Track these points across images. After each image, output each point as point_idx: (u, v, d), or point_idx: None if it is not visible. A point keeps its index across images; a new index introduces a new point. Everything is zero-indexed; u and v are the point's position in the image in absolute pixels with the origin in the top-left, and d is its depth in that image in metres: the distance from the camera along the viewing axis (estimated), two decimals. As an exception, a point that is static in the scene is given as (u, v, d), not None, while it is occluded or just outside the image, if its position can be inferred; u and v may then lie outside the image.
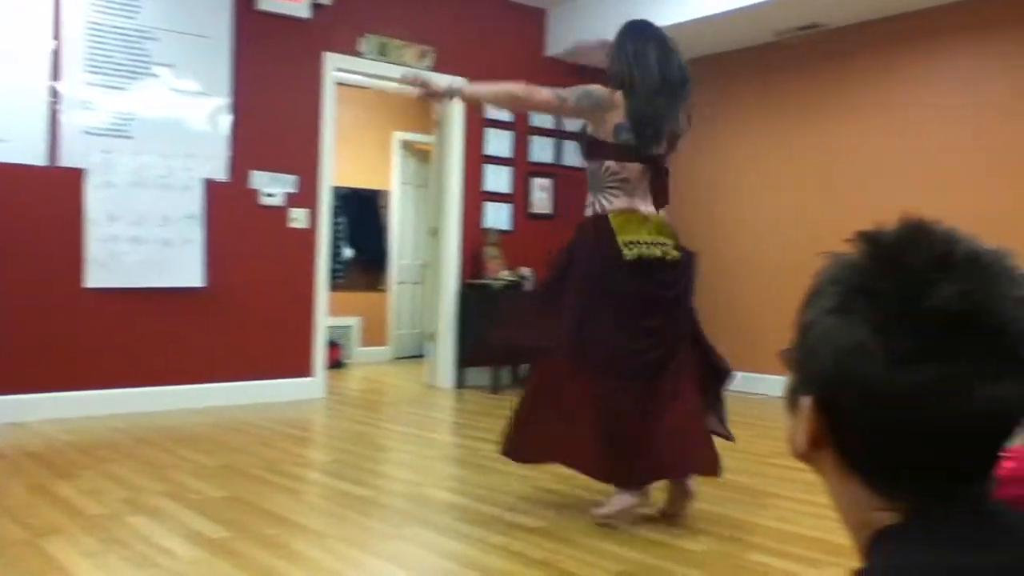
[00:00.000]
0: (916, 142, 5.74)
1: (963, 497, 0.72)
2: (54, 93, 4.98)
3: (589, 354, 3.03)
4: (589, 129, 3.25)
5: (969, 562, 0.69)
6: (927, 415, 0.68)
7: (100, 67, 5.14)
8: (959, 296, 0.68)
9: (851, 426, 0.73)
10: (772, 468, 4.00)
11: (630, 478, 2.97)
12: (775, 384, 6.27)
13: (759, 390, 6.51)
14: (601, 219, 3.15)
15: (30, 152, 4.91)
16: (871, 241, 0.74)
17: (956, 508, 0.72)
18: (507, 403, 5.69)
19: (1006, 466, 1.59)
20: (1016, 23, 5.28)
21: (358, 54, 6.13)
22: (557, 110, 3.43)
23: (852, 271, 0.74)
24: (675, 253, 3.18)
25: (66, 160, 5.02)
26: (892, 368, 0.68)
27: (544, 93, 3.25)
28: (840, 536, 2.86)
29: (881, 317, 0.70)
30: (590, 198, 3.26)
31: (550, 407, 3.07)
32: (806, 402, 0.76)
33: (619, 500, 3.00)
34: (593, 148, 3.24)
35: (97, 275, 5.11)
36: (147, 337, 5.28)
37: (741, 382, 6.61)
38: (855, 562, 0.76)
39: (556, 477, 3.74)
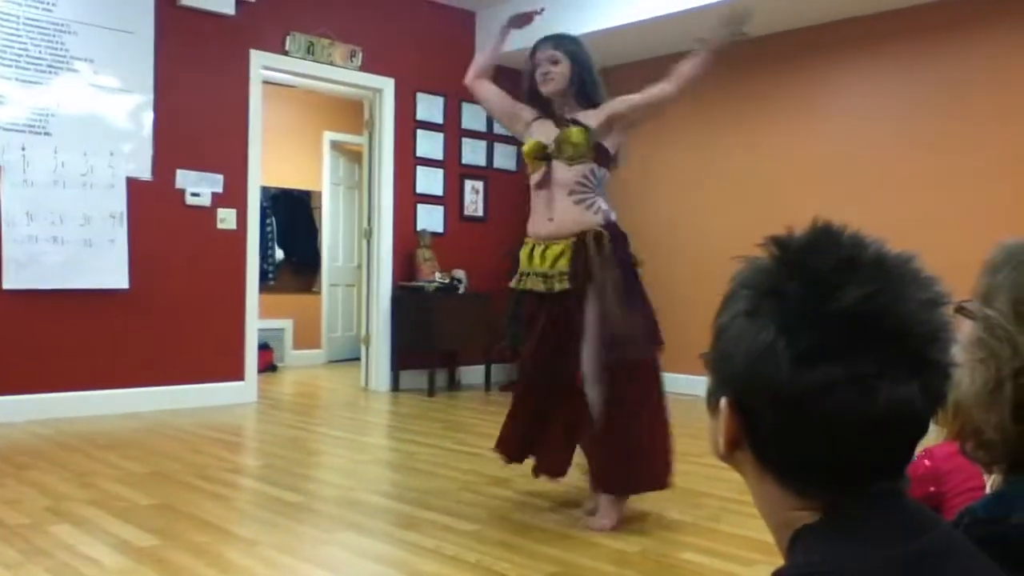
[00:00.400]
0: (841, 147, 5.91)
1: (876, 494, 0.74)
2: (-34, 87, 4.80)
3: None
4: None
5: (883, 554, 0.71)
6: (833, 415, 0.70)
7: (14, 60, 4.97)
8: (864, 298, 0.70)
9: (763, 426, 0.75)
10: (703, 468, 4.07)
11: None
12: (698, 384, 6.42)
13: (684, 390, 6.62)
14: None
15: (-59, 148, 4.73)
16: (780, 245, 0.76)
17: (869, 505, 0.74)
18: (442, 406, 5.70)
19: (923, 464, 1.65)
20: (943, 28, 5.47)
21: (285, 52, 6.05)
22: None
23: (762, 275, 0.76)
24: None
25: (-19, 157, 4.84)
26: (798, 368, 0.70)
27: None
28: (770, 535, 2.93)
29: (787, 318, 0.72)
30: (597, 202, 3.25)
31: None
32: (723, 404, 0.78)
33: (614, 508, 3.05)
34: (607, 155, 3.29)
35: (16, 276, 4.94)
36: (70, 340, 5.12)
37: (669, 383, 6.73)
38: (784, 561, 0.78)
39: (490, 480, 3.74)
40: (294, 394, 6.79)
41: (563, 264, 3.14)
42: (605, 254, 3.13)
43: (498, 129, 7.32)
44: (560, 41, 3.33)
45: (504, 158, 7.39)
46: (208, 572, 2.51)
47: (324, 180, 8.71)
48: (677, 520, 3.16)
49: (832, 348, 0.70)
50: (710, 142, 6.61)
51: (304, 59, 6.13)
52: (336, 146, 8.76)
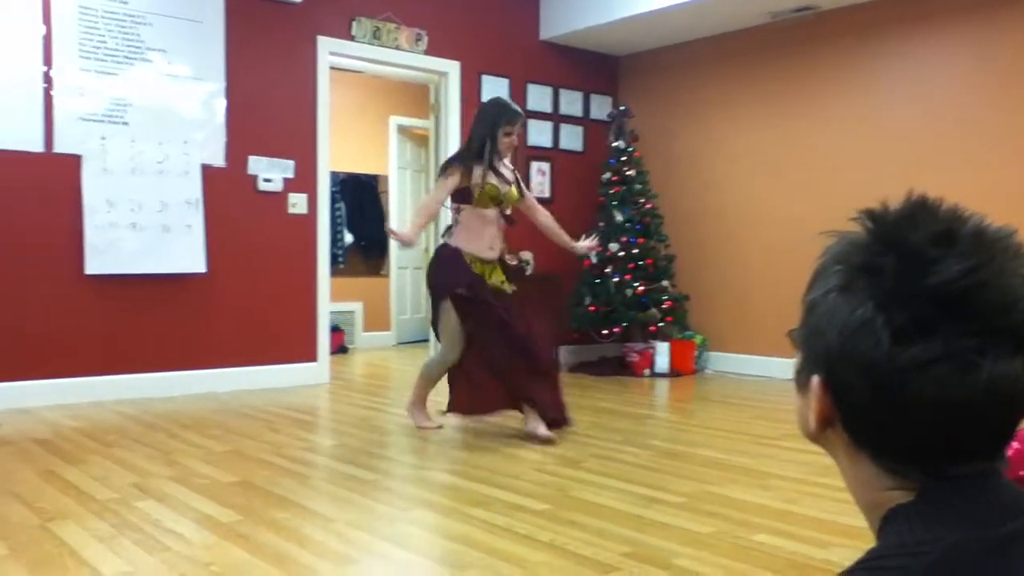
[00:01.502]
0: (908, 124, 5.75)
1: (973, 475, 0.72)
2: (47, 79, 4.96)
3: None
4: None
5: (978, 536, 0.69)
6: (932, 392, 0.68)
7: (93, 52, 5.12)
8: (964, 272, 0.68)
9: (857, 404, 0.73)
10: (774, 449, 4.03)
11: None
12: (771, 365, 6.33)
13: (756, 371, 6.54)
14: None
15: (26, 139, 4.90)
16: (875, 219, 0.75)
17: (966, 485, 0.72)
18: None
19: (1011, 446, 1.60)
20: (1015, 2, 5.28)
21: (351, 38, 6.11)
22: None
23: (855, 249, 0.74)
24: None
25: (62, 146, 5.01)
26: (896, 345, 0.68)
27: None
28: (847, 517, 2.90)
29: (884, 294, 0.70)
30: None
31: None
32: (814, 382, 0.76)
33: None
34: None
35: (97, 262, 5.10)
36: (150, 323, 5.29)
37: (738, 364, 6.68)
38: (863, 543, 0.76)
39: (560, 460, 3.76)
40: (365, 375, 6.90)
41: (497, 276, 4.38)
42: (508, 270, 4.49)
43: (564, 110, 7.30)
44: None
45: (570, 139, 7.36)
46: (287, 547, 2.58)
47: (391, 164, 8.80)
48: (750, 502, 3.13)
49: (931, 323, 0.68)
50: (777, 123, 6.49)
51: (370, 44, 6.19)
52: (402, 130, 8.83)
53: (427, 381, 4.48)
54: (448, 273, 4.28)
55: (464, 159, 4.34)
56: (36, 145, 4.93)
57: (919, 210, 0.74)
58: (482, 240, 4.32)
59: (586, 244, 4.78)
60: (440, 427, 4.46)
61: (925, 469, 0.73)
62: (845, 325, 0.72)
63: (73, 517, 2.84)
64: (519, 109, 4.41)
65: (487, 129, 4.30)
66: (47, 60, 4.96)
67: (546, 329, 4.40)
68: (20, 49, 4.88)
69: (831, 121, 6.16)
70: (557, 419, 4.24)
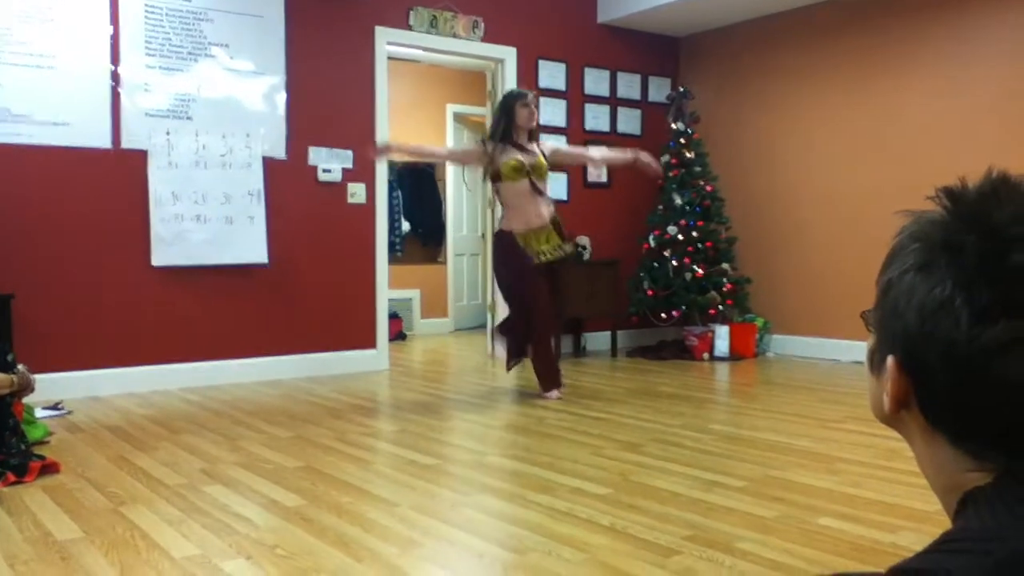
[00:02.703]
0: (976, 101, 5.56)
1: None
2: (115, 77, 5.08)
3: None
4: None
5: None
6: (1012, 373, 0.66)
7: (158, 49, 5.23)
8: None
9: (935, 385, 0.71)
10: (841, 433, 3.96)
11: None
12: (837, 348, 6.21)
13: (822, 354, 6.43)
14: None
15: (95, 135, 5.03)
16: (953, 197, 0.72)
17: None
18: (568, 372, 5.73)
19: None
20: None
21: (408, 27, 6.13)
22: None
23: (934, 228, 0.72)
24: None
25: (129, 142, 5.13)
26: (976, 325, 0.67)
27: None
28: (914, 500, 2.83)
29: (965, 273, 0.68)
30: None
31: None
32: (889, 362, 0.74)
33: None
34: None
35: (163, 253, 5.23)
36: (215, 312, 5.41)
37: (803, 347, 6.57)
38: (931, 527, 0.74)
39: (620, 444, 3.74)
40: (424, 361, 6.96)
41: (553, 240, 4.90)
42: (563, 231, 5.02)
43: (622, 94, 7.24)
44: None
45: (627, 123, 7.30)
46: (351, 531, 2.61)
47: (448, 152, 8.82)
48: (815, 486, 3.08)
49: (1014, 303, 0.66)
50: (845, 100, 6.34)
51: (428, 33, 6.21)
52: (459, 118, 8.85)
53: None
54: (504, 260, 4.96)
55: (484, 141, 5.00)
56: (104, 141, 5.06)
57: (1001, 188, 0.71)
58: (525, 212, 4.84)
59: (646, 157, 5.14)
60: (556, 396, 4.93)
61: (1004, 450, 0.71)
62: (923, 305, 0.70)
63: (144, 501, 2.92)
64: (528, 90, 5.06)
65: (503, 112, 4.90)
66: (115, 59, 5.08)
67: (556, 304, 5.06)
68: (89, 49, 5.01)
69: (904, 97, 5.99)
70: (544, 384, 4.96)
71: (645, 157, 5.12)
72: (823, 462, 3.42)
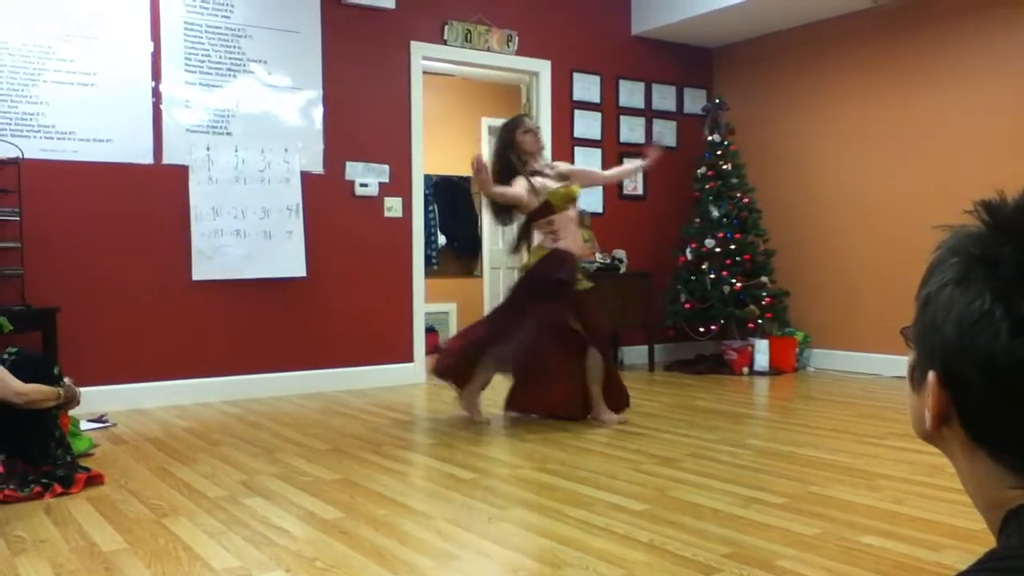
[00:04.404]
0: (1015, 110, 5.47)
1: None
2: (155, 93, 5.18)
3: None
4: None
5: None
6: None
7: (198, 66, 5.31)
8: None
9: (976, 400, 0.70)
10: (881, 449, 3.90)
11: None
12: (878, 362, 6.13)
13: (862, 369, 6.34)
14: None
15: (137, 151, 5.13)
16: (991, 210, 0.72)
17: None
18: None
19: None
20: None
21: (443, 42, 6.18)
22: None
23: (972, 241, 0.72)
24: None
25: (170, 158, 5.22)
26: (1016, 337, 0.66)
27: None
28: (957, 518, 2.78)
29: (1003, 285, 0.67)
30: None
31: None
32: (930, 377, 0.73)
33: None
34: None
35: (203, 267, 5.30)
36: (253, 326, 5.47)
37: (843, 361, 6.49)
38: (976, 545, 0.74)
39: (657, 460, 3.72)
40: (460, 375, 6.95)
41: (582, 272, 4.68)
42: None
43: (656, 105, 7.23)
44: None
45: (663, 135, 7.28)
46: (388, 543, 2.62)
47: (483, 166, 8.85)
48: (856, 503, 3.04)
49: None
50: (882, 111, 6.27)
51: (462, 47, 6.25)
52: (493, 131, 8.85)
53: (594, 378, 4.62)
54: (551, 265, 4.47)
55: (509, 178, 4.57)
56: (146, 157, 5.15)
57: None
58: (575, 240, 4.65)
59: (651, 158, 4.88)
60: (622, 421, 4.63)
61: None
62: (962, 318, 0.69)
63: (185, 513, 2.96)
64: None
65: (505, 147, 4.61)
66: (155, 75, 5.18)
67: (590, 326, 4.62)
68: (131, 66, 5.11)
69: (942, 107, 5.92)
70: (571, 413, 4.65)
71: (651, 159, 4.86)
72: (863, 478, 3.37)
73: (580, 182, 4.72)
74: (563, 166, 4.85)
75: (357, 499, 3.12)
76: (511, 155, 4.57)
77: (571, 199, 4.58)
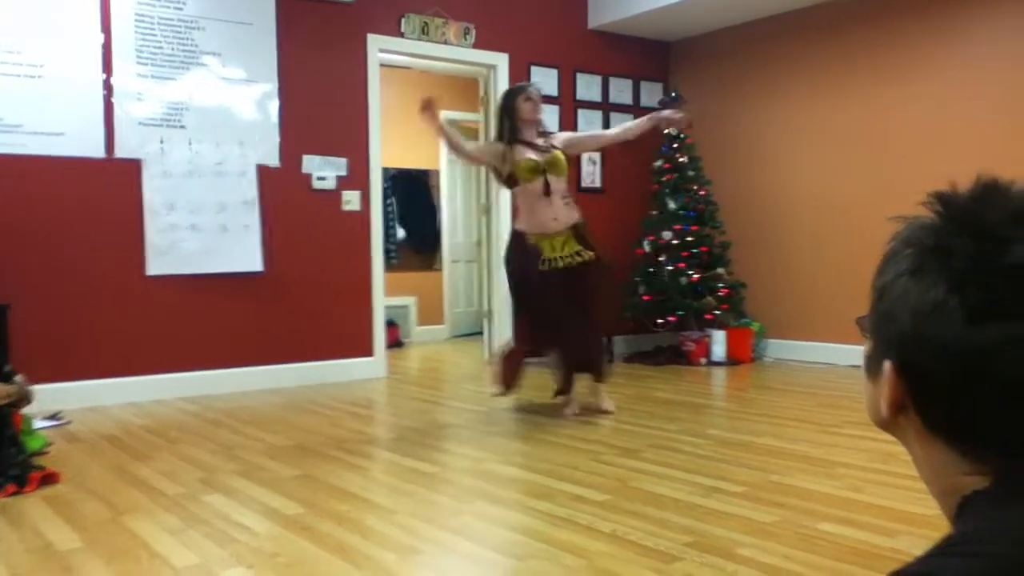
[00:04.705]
0: (971, 104, 5.59)
1: None
2: (107, 86, 5.08)
3: None
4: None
5: None
6: (1008, 374, 0.67)
7: (150, 58, 5.22)
8: None
9: (931, 388, 0.72)
10: (839, 437, 3.97)
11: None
12: (833, 352, 6.23)
13: (818, 358, 6.44)
14: None
15: (88, 145, 5.03)
16: (945, 201, 0.73)
17: None
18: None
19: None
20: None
21: (400, 34, 6.14)
22: None
23: (926, 232, 0.73)
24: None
25: (123, 151, 5.13)
26: (969, 326, 0.67)
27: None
28: (913, 504, 2.84)
29: (957, 275, 0.69)
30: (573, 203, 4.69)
31: None
32: (886, 367, 0.75)
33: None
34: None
35: (158, 263, 5.22)
36: (211, 321, 5.40)
37: (799, 351, 6.59)
38: (930, 531, 0.75)
39: (618, 451, 3.75)
40: (421, 369, 6.96)
41: (570, 247, 4.51)
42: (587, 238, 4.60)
43: (614, 99, 7.26)
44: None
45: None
46: (352, 539, 2.61)
47: (441, 159, 8.83)
48: (814, 490, 3.09)
49: (1006, 304, 0.67)
50: (836, 106, 6.36)
51: (419, 40, 6.22)
52: (452, 124, 8.83)
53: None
54: (511, 259, 4.70)
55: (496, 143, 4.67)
56: (98, 151, 5.05)
57: (991, 191, 0.73)
58: (540, 215, 4.52)
59: (667, 114, 4.80)
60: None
61: (1001, 452, 0.71)
62: (917, 308, 0.71)
63: (144, 511, 2.92)
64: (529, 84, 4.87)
65: (504, 111, 4.60)
66: (107, 68, 5.08)
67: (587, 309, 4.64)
68: (81, 59, 5.00)
69: (897, 99, 6.02)
70: (563, 389, 4.68)
71: (667, 114, 4.78)
72: (822, 466, 3.43)
73: (584, 148, 4.84)
74: (564, 135, 4.83)
75: (319, 495, 3.10)
76: (508, 120, 4.57)
77: (537, 171, 4.46)
